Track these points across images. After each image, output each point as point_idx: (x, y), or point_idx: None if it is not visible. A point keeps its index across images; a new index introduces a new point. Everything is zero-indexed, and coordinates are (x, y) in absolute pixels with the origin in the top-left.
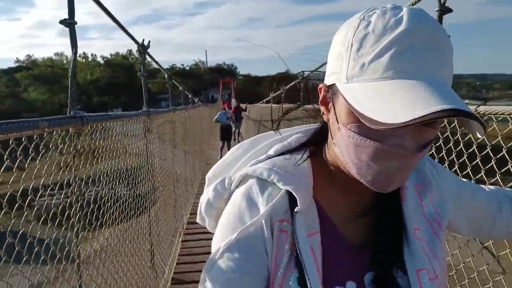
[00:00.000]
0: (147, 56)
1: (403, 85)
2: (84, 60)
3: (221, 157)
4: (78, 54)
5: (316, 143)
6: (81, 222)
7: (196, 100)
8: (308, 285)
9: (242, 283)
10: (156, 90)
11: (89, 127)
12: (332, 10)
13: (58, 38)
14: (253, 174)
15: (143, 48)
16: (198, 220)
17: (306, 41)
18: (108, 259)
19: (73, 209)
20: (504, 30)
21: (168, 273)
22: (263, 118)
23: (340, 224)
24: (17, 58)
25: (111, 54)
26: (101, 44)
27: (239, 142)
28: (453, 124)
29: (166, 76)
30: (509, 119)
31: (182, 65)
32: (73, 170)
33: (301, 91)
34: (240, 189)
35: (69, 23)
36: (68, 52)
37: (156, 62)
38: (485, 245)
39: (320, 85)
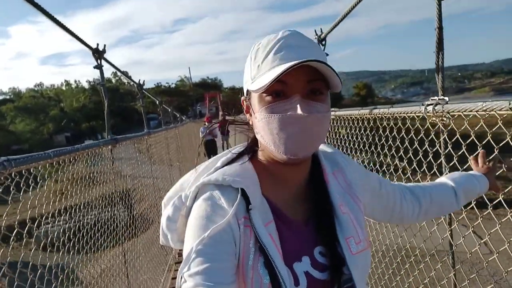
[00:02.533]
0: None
1: (282, 67)
2: (67, 87)
3: None
4: (61, 83)
5: (252, 149)
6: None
7: (184, 118)
8: (273, 264)
9: (218, 272)
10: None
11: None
12: (308, 15)
13: (40, 66)
14: (209, 182)
15: (140, 87)
16: (161, 240)
17: None
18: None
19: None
20: (477, 20)
21: (175, 251)
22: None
23: (287, 211)
24: (0, 90)
25: (94, 79)
26: (82, 69)
27: None
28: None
29: (157, 102)
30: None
31: (167, 83)
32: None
33: None
34: (200, 199)
35: (102, 84)
36: (47, 82)
37: (151, 97)
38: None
39: (242, 98)
